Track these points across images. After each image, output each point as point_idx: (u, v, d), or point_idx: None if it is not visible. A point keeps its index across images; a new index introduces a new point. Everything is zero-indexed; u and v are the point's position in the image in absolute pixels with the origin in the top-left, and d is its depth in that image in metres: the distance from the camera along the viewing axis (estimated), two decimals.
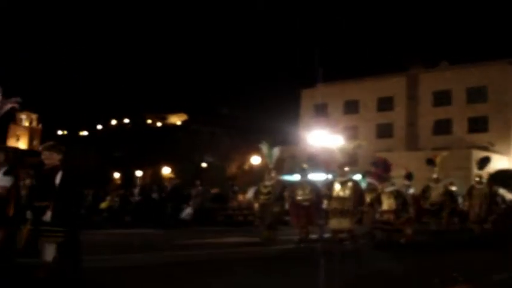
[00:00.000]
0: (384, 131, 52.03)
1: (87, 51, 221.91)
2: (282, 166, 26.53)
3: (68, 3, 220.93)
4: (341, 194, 12.70)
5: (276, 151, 14.44)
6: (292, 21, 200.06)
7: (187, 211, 21.36)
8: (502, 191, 16.45)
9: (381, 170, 13.63)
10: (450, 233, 16.15)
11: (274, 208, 13.48)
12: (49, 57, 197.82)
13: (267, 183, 13.69)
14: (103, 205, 23.28)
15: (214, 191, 26.11)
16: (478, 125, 46.60)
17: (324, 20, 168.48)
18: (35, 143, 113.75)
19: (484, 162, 16.75)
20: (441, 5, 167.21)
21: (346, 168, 13.05)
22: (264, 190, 13.65)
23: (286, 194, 13.87)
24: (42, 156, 7.62)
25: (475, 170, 16.91)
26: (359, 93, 53.18)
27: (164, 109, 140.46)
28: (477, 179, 15.97)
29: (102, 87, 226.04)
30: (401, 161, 22.85)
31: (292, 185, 14.70)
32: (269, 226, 13.35)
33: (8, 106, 8.39)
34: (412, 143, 49.44)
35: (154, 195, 22.67)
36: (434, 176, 16.56)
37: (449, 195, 17.01)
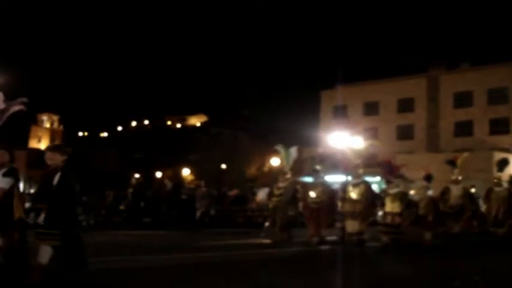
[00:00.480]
0: (404, 133, 51.71)
1: (108, 53, 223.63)
2: (301, 168, 26.45)
3: (89, 5, 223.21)
4: (353, 196, 12.70)
5: (293, 151, 14.32)
6: (312, 23, 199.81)
7: (198, 213, 21.32)
8: None
9: (386, 171, 13.41)
10: (469, 235, 15.97)
11: (288, 211, 13.46)
12: (71, 59, 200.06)
13: (281, 185, 13.66)
14: (123, 206, 23.45)
15: (234, 192, 26.04)
16: (499, 126, 46.08)
17: (344, 21, 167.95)
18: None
19: (503, 164, 16.57)
20: (463, 5, 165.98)
21: (360, 170, 13.02)
22: (277, 192, 13.63)
23: (299, 195, 13.82)
24: (45, 157, 7.35)
25: (496, 172, 16.72)
26: (379, 94, 52.86)
27: (184, 110, 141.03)
28: (495, 181, 15.77)
29: (122, 89, 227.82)
30: (422, 163, 22.63)
31: (305, 186, 14.62)
32: (281, 228, 13.33)
33: (15, 108, 7.84)
34: (432, 145, 49.08)
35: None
36: (454, 177, 16.36)
37: (469, 198, 16.78)
